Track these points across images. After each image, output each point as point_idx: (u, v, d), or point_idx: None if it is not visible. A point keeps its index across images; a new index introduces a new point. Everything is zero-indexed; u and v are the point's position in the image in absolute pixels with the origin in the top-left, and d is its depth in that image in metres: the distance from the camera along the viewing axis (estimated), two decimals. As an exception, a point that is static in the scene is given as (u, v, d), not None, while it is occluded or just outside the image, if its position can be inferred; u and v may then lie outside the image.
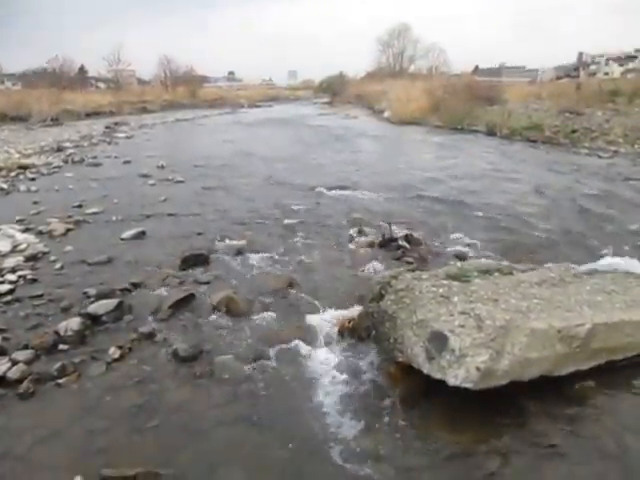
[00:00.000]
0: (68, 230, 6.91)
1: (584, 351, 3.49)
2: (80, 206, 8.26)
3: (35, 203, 8.48)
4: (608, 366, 3.66)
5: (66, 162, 13.07)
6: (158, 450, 3.03)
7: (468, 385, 3.20)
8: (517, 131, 18.88)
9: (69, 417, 3.30)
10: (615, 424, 3.21)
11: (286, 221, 7.58)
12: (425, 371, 3.41)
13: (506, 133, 19.25)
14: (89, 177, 10.95)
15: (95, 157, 14.06)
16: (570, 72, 57.46)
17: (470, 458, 2.99)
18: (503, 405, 3.35)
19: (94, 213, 7.85)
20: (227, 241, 6.60)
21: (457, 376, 3.22)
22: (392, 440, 3.14)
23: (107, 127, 23.39)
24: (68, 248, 6.20)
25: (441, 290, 3.80)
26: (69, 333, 4.08)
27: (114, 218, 7.61)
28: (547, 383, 3.44)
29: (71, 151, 14.98)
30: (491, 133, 19.86)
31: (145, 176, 11.07)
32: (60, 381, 3.63)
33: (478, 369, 3.16)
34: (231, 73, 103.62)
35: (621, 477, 2.82)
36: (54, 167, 12.24)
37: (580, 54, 64.85)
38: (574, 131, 17.28)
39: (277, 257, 6.10)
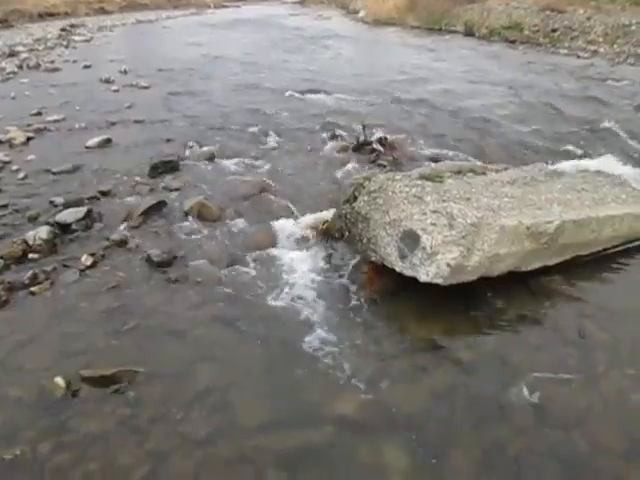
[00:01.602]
0: (29, 139, 6.57)
1: (552, 247, 3.59)
2: (40, 114, 7.82)
3: (-10, 112, 8.01)
4: (574, 261, 3.79)
5: (21, 67, 12.22)
6: (135, 351, 3.09)
7: (438, 281, 3.29)
8: (496, 31, 18.21)
9: (45, 323, 3.31)
10: (577, 314, 3.38)
11: (258, 126, 7.34)
12: (397, 269, 3.49)
13: (484, 33, 18.56)
14: (47, 83, 10.29)
15: (52, 62, 13.17)
16: (553, -33, 54.71)
17: (439, 348, 3.14)
18: (472, 300, 3.47)
19: (55, 121, 7.45)
20: (197, 147, 6.39)
21: (428, 273, 3.30)
22: (365, 334, 3.26)
23: (63, 30, 21.72)
24: (30, 157, 5.94)
25: (414, 190, 3.79)
26: (38, 242, 4.00)
27: (77, 126, 7.25)
28: (515, 278, 3.56)
29: (25, 56, 13.97)
30: (469, 33, 19.12)
31: (107, 81, 10.47)
32: (33, 289, 3.60)
33: (448, 265, 3.23)
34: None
35: (579, 359, 3.01)
36: (8, 73, 11.44)
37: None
38: (554, 30, 16.75)
39: (249, 162, 5.97)
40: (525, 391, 2.78)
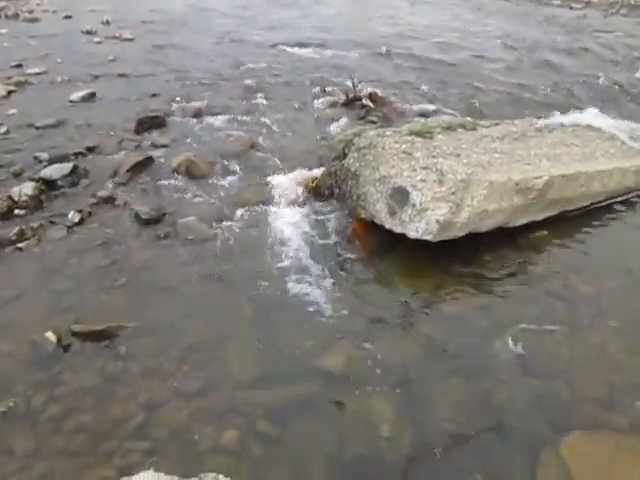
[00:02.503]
0: (10, 92, 6.37)
1: (540, 202, 3.61)
2: (20, 66, 7.56)
3: (-31, 64, 7.74)
4: (561, 216, 3.83)
5: (-2, 17, 11.78)
6: (125, 306, 3.10)
7: (428, 237, 3.31)
8: (489, -19, 17.71)
9: (34, 279, 3.30)
10: (563, 268, 3.44)
11: (246, 81, 7.18)
12: (387, 226, 3.50)
13: (478, -16, 18.07)
14: (27, 34, 9.91)
15: (31, 11, 12.66)
16: None
17: (427, 302, 3.19)
18: (461, 255, 3.51)
19: (37, 73, 7.21)
20: (184, 103, 6.24)
21: (417, 229, 3.32)
22: (354, 290, 3.30)
23: (41, -23, 20.85)
24: (12, 111, 5.77)
25: (404, 146, 3.76)
26: (23, 198, 3.94)
27: (59, 79, 7.03)
28: (503, 234, 3.59)
29: (3, 4, 13.40)
30: (462, -16, 18.61)
31: (89, 33, 10.11)
32: (20, 245, 3.57)
33: (438, 222, 3.25)
34: None
35: (564, 312, 3.09)
36: (-15, 23, 11.03)
37: None
38: (548, -19, 16.35)
39: (238, 118, 5.85)
40: (510, 343, 2.85)
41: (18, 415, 2.46)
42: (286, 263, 3.50)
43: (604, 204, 4.06)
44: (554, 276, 3.37)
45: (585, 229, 3.82)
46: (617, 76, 7.39)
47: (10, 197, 3.95)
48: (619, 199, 4.16)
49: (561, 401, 2.58)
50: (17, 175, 4.37)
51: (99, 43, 9.39)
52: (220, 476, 1.79)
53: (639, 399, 2.57)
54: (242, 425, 2.45)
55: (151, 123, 5.50)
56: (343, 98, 6.33)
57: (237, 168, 4.72)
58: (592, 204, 3.99)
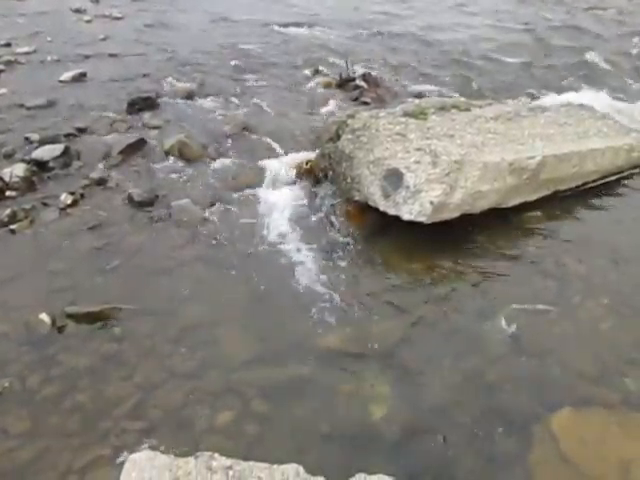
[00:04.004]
0: (-1, 71, 6.31)
1: (533, 182, 3.64)
2: (9, 45, 7.43)
3: (-43, 43, 7.59)
4: (553, 196, 3.86)
5: (-15, -5, 11.53)
6: (120, 289, 3.11)
7: (421, 219, 3.32)
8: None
9: (27, 261, 3.30)
10: (556, 248, 3.48)
11: (238, 62, 7.09)
12: (381, 208, 3.50)
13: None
14: (15, 12, 9.71)
15: (19, -11, 12.44)
16: None
17: (422, 283, 3.23)
18: (454, 237, 3.53)
19: (26, 53, 7.08)
20: (176, 83, 6.17)
21: (411, 211, 3.33)
22: (349, 271, 3.31)
23: (28, -46, 20.37)
24: (2, 91, 5.67)
25: (398, 128, 3.75)
26: (15, 179, 3.91)
27: (49, 58, 6.92)
28: (496, 214, 3.61)
29: (-10, -18, 13.15)
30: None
31: (79, 11, 9.91)
32: (13, 227, 3.55)
33: (431, 203, 3.26)
34: None
35: (557, 291, 3.13)
36: (-28, 1, 10.80)
37: None
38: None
39: (230, 100, 5.79)
40: (503, 322, 2.89)
41: (13, 395, 2.47)
42: (280, 245, 3.51)
43: (597, 183, 4.08)
44: (547, 256, 3.41)
45: (578, 209, 3.84)
46: (611, 54, 7.36)
47: (1, 178, 3.91)
48: (611, 178, 4.18)
49: (553, 378, 2.62)
50: (8, 156, 4.32)
51: (89, 22, 9.22)
52: (216, 455, 1.80)
53: (629, 376, 2.62)
54: (237, 405, 2.48)
55: (143, 104, 5.44)
56: (336, 79, 6.28)
57: (230, 150, 4.69)
58: (585, 184, 4.01)
